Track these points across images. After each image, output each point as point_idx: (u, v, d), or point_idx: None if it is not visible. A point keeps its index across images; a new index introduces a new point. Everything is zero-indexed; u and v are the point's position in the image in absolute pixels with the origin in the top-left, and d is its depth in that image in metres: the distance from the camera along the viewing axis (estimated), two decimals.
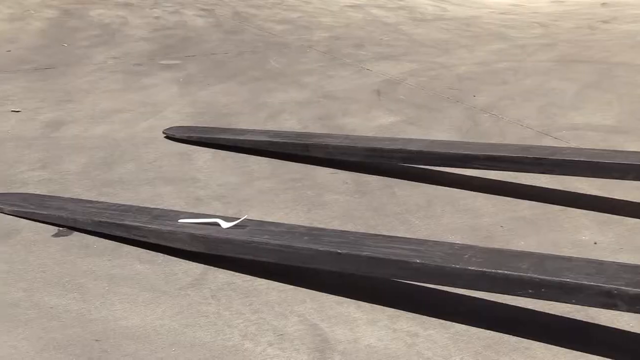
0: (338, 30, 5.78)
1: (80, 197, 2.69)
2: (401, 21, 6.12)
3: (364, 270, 1.98)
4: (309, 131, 3.41)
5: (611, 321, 1.95)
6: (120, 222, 2.32)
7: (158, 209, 2.49)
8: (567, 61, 4.78)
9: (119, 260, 2.25)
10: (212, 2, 7.00)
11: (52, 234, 2.41)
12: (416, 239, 2.17)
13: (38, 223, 2.47)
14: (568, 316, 1.98)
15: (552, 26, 5.96)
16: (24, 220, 2.50)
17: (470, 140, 3.26)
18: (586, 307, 1.88)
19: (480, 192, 2.77)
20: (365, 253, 1.95)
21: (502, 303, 2.02)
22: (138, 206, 2.52)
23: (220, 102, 3.89)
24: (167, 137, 3.30)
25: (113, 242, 2.35)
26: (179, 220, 2.26)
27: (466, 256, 1.89)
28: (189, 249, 2.21)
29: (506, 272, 1.80)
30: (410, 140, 3.04)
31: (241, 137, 3.19)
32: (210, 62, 4.73)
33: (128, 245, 2.33)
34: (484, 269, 1.82)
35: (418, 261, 1.88)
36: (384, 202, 2.69)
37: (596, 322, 1.96)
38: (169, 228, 2.23)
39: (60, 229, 2.43)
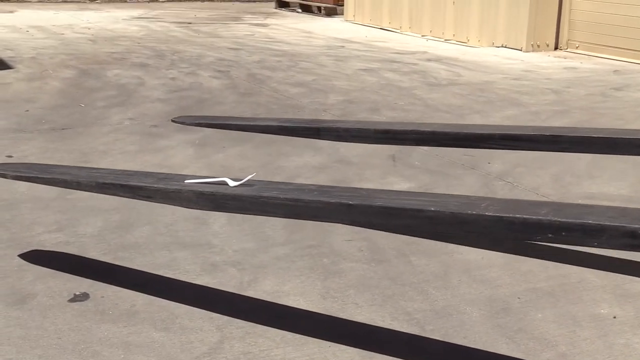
0: (352, 94, 5.86)
1: (95, 260, 2.71)
2: (415, 85, 6.21)
3: (376, 222, 1.89)
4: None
5: None
6: (125, 183, 2.26)
7: (164, 173, 2.45)
8: None
9: (135, 327, 2.25)
10: (228, 64, 7.13)
11: (67, 298, 2.42)
12: (430, 193, 2.08)
13: (54, 288, 2.49)
14: None
15: (565, 93, 6.03)
16: (40, 284, 2.52)
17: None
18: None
19: (496, 261, 2.77)
20: (377, 203, 1.86)
21: None
22: (143, 171, 2.48)
23: (235, 166, 3.93)
24: (174, 121, 3.20)
25: (128, 307, 2.36)
26: (186, 181, 2.20)
27: (483, 205, 1.80)
28: (195, 207, 2.15)
29: (525, 216, 1.71)
30: (423, 123, 2.99)
31: (251, 123, 3.17)
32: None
33: (144, 312, 2.34)
34: (502, 214, 1.73)
35: (433, 209, 1.79)
36: (400, 271, 2.69)
37: None
38: (175, 187, 2.17)
39: (76, 293, 2.44)
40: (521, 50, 8.26)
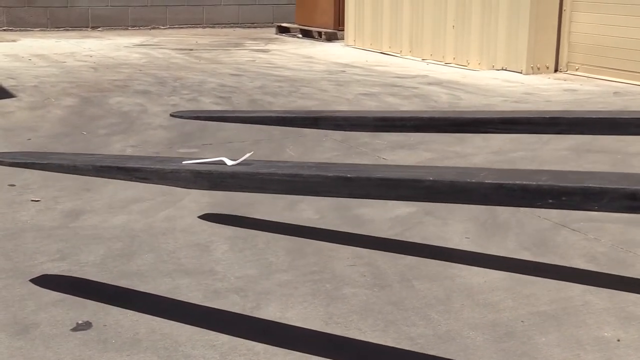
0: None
1: (97, 289, 2.72)
2: (416, 109, 6.23)
3: (375, 194, 1.92)
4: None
5: None
6: (122, 166, 2.27)
7: (161, 156, 2.46)
8: (582, 150, 4.83)
9: (138, 356, 2.26)
10: (229, 90, 7.17)
11: (70, 327, 2.42)
12: (428, 165, 2.10)
13: (57, 317, 2.49)
14: None
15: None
16: (43, 314, 2.52)
17: (488, 232, 3.27)
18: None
19: (499, 285, 2.78)
20: (375, 175, 1.90)
21: None
22: (140, 155, 2.49)
23: (238, 200, 3.95)
24: (174, 116, 3.27)
25: (131, 335, 2.36)
26: (183, 162, 2.21)
27: (482, 174, 1.83)
28: (192, 187, 2.16)
29: (525, 182, 1.73)
30: (421, 111, 3.02)
31: (249, 115, 3.19)
32: (227, 151, 4.81)
33: (147, 340, 2.34)
34: (501, 181, 1.75)
35: (431, 178, 1.81)
36: (403, 296, 2.69)
37: None
38: (172, 167, 2.18)
39: (79, 322, 2.45)
40: (521, 72, 8.30)
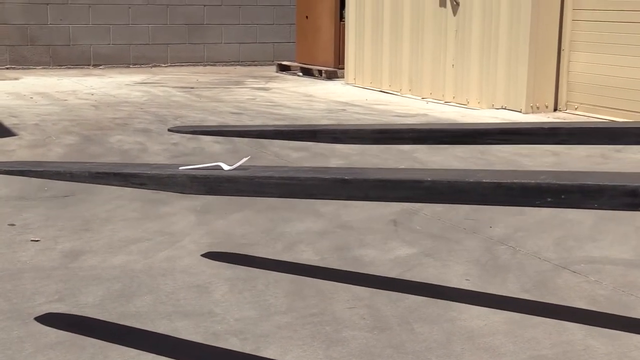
0: (353, 158, 5.91)
1: (95, 331, 2.71)
2: (416, 148, 6.27)
3: (373, 196, 1.92)
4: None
5: None
6: (118, 172, 2.27)
7: (157, 164, 2.46)
8: None
9: None
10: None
11: None
12: (424, 169, 2.12)
13: (55, 359, 2.48)
14: None
15: (565, 154, 6.08)
16: (41, 356, 2.50)
17: (489, 274, 3.27)
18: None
19: (499, 328, 2.77)
20: (373, 177, 1.91)
21: None
22: (136, 163, 2.49)
23: (237, 232, 3.95)
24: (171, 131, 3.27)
25: None
26: (180, 168, 2.22)
27: (480, 174, 1.84)
28: (189, 192, 2.18)
29: (523, 181, 1.74)
30: (421, 123, 3.02)
31: (247, 129, 3.20)
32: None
33: None
34: (500, 180, 1.76)
35: (430, 179, 1.83)
36: (403, 339, 2.68)
37: None
38: (168, 172, 2.20)
39: None
40: (521, 112, 8.35)
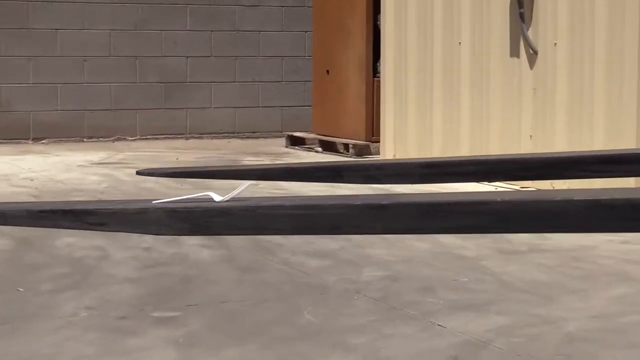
0: (396, 267, 5.92)
1: None
2: (483, 254, 6.27)
3: (420, 226, 1.93)
4: None
5: None
6: (69, 209, 2.21)
7: (121, 200, 2.44)
8: None
9: None
10: None
11: None
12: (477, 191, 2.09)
13: None
14: None
15: None
16: None
17: None
18: None
19: None
20: (420, 200, 1.90)
21: None
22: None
23: None
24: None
25: None
26: (154, 202, 2.16)
27: (568, 192, 1.86)
28: (166, 232, 2.12)
29: (629, 197, 1.77)
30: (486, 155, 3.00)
31: (245, 169, 3.21)
32: (220, 315, 4.82)
33: None
34: (598, 197, 1.79)
35: (499, 199, 1.83)
36: None
37: None
38: (138, 207, 2.15)
39: None
40: None
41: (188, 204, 2.16)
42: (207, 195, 2.18)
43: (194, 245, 6.54)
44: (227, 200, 2.14)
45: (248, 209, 2.06)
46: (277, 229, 2.07)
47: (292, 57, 14.26)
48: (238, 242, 6.66)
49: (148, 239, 6.77)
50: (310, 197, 2.11)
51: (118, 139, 13.62)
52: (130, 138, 13.69)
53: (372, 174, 2.95)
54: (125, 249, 6.45)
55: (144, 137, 13.74)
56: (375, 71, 11.84)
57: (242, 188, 2.18)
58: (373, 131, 11.76)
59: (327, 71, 12.59)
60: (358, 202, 1.97)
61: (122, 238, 6.79)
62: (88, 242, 6.67)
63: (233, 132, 14.17)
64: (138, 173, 3.37)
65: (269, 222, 2.06)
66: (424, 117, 10.67)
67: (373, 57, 11.84)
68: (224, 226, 2.11)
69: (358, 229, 2.01)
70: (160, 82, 13.76)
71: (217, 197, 2.16)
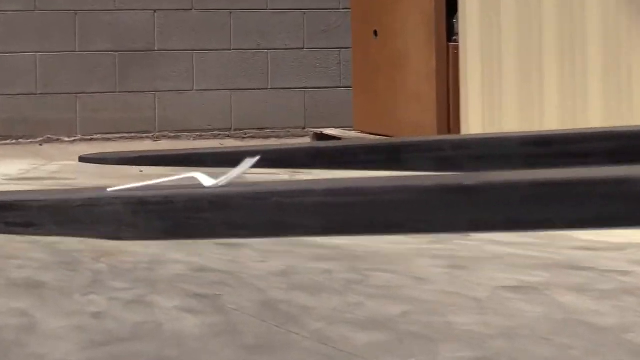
0: (491, 344, 5.87)
1: None
2: (632, 322, 6.24)
3: (519, 217, 2.00)
4: None
5: None
6: None
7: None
8: None
9: None
10: (216, 278, 7.23)
11: None
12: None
13: None
14: None
15: None
16: None
17: None
18: None
19: None
20: (520, 178, 2.01)
21: None
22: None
23: None
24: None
25: None
26: (109, 190, 2.19)
27: None
28: (128, 236, 2.15)
29: None
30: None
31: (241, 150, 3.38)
32: None
33: None
34: None
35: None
36: None
37: None
38: (85, 197, 2.19)
39: None
40: None
41: (163, 192, 2.13)
42: (191, 177, 2.18)
43: (172, 309, 6.50)
44: (222, 185, 2.13)
45: (257, 197, 2.06)
46: (301, 228, 2.05)
47: (319, 11, 14.15)
48: (242, 303, 6.62)
49: (100, 299, 6.73)
50: (353, 179, 2.09)
51: (48, 140, 13.65)
52: (66, 139, 13.69)
53: (448, 156, 3.06)
54: (62, 316, 6.42)
55: (88, 138, 13.72)
56: (450, 32, 11.82)
57: (244, 168, 2.18)
58: (449, 123, 11.73)
59: (375, 32, 12.60)
60: (429, 184, 2.00)
61: (58, 297, 6.77)
62: (6, 303, 6.65)
63: (228, 129, 14.04)
64: (81, 159, 3.38)
65: (288, 217, 2.05)
66: (530, 96, 10.63)
67: (447, 12, 11.83)
68: (218, 225, 2.10)
69: (430, 226, 2.02)
70: (113, 51, 13.72)
71: (207, 181, 2.14)
